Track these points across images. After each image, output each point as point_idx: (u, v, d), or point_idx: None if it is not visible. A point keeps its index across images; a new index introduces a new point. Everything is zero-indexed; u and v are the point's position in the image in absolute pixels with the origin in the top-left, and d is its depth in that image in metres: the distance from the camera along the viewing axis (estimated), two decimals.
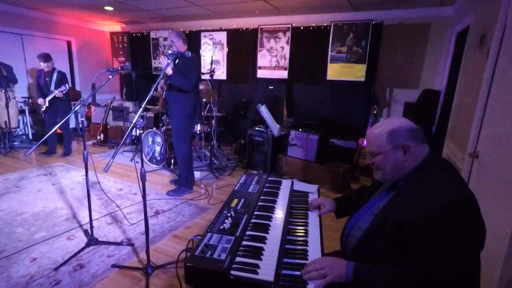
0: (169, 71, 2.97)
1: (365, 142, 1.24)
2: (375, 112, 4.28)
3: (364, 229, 1.16)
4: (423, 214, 0.98)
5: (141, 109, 1.89)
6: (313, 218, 1.53)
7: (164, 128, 4.47)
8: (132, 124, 1.84)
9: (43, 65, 4.53)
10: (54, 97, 4.50)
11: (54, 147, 4.97)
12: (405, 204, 1.06)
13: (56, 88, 4.49)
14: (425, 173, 1.10)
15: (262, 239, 1.24)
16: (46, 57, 4.52)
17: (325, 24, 4.84)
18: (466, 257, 0.97)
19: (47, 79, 4.58)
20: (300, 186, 1.93)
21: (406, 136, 1.11)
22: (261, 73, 5.44)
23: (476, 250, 1.02)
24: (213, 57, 5.51)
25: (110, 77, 2.34)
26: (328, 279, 1.05)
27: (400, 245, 1.03)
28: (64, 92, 4.48)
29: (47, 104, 4.54)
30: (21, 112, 5.47)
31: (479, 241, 1.01)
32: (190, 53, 2.64)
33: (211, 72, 4.31)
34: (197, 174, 4.01)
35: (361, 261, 1.09)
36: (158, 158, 4.46)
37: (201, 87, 4.57)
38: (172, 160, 4.31)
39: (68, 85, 4.52)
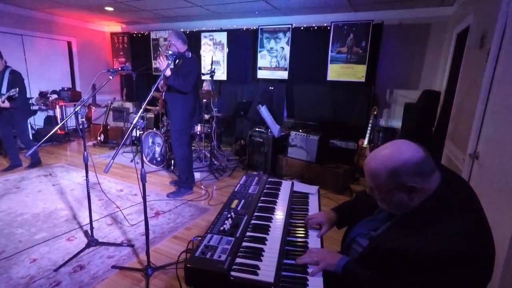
0: (168, 72, 2.93)
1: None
2: (375, 112, 4.28)
3: (362, 249, 1.13)
4: (425, 251, 0.88)
5: (141, 110, 1.89)
6: None
7: (164, 129, 4.47)
8: (132, 124, 1.84)
9: None
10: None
11: (17, 158, 4.29)
12: (405, 236, 0.96)
13: (8, 90, 3.72)
14: (433, 207, 0.95)
15: (262, 240, 1.24)
16: None
17: (325, 25, 4.83)
18: None
19: None
20: (300, 187, 1.92)
21: (411, 174, 0.94)
22: (261, 74, 5.43)
23: None
24: (213, 58, 5.52)
25: (111, 77, 2.35)
26: (320, 267, 1.10)
27: (391, 269, 0.96)
28: (14, 96, 3.66)
29: None
30: None
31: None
32: (190, 53, 2.64)
33: (211, 72, 4.32)
34: (197, 175, 4.00)
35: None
36: (158, 159, 4.46)
37: (201, 87, 4.57)
38: (172, 161, 4.31)
39: (23, 90, 3.80)
